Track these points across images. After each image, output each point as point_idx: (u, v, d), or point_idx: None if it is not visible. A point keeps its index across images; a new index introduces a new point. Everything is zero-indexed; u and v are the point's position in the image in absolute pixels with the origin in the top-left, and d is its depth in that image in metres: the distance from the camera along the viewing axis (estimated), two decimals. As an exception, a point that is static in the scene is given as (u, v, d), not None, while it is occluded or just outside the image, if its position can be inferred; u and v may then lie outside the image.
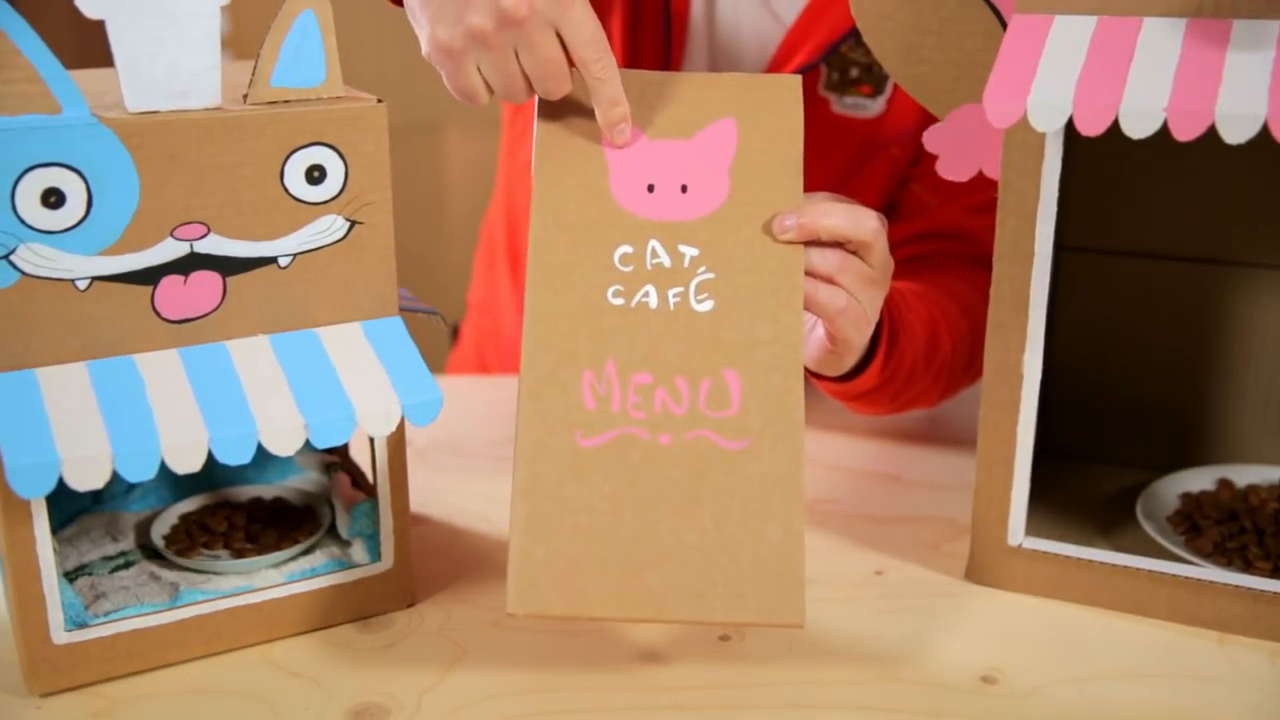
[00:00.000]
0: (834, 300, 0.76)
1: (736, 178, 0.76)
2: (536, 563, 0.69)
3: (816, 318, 0.79)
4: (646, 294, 0.74)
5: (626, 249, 0.75)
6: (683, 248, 0.75)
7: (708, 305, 0.74)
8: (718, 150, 0.77)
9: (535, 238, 0.75)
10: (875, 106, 1.05)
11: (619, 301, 0.74)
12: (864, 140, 1.06)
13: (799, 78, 0.78)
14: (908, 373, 0.92)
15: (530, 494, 0.70)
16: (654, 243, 0.75)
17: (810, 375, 0.89)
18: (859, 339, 0.80)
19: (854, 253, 0.76)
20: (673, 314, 0.74)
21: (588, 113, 0.77)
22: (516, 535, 0.70)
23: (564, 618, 0.69)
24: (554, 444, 0.71)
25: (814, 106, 1.04)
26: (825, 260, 0.75)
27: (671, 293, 0.74)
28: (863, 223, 0.75)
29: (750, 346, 0.73)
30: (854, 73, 1.04)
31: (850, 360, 0.83)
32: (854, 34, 1.01)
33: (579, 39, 0.72)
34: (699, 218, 0.75)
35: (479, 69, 0.73)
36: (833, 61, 1.04)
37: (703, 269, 0.74)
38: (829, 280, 0.76)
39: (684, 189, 0.76)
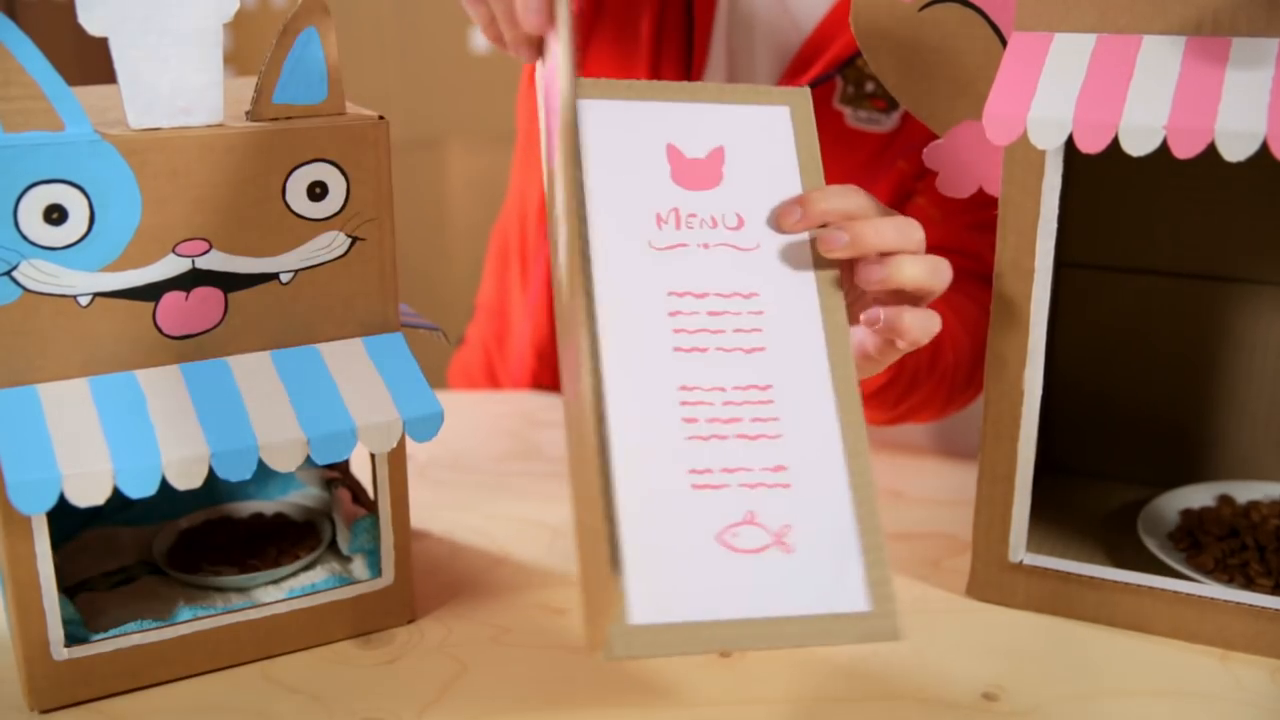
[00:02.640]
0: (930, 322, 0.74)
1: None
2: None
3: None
4: None
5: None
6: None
7: None
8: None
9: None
10: (889, 121, 1.05)
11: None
12: (876, 154, 1.06)
13: (806, 90, 0.76)
14: (910, 376, 0.92)
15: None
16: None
17: None
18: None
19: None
20: None
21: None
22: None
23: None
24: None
25: (828, 119, 1.04)
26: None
27: None
28: (933, 269, 0.74)
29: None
30: (869, 86, 1.04)
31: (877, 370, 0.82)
32: None
33: None
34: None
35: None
36: (848, 74, 1.04)
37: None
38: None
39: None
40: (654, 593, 0.63)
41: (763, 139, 0.74)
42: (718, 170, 0.73)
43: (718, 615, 0.63)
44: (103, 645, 0.72)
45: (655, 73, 1.08)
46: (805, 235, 0.72)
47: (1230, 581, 0.80)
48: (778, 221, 0.72)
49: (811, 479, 0.66)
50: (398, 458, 0.78)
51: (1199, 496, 0.91)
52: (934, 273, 0.74)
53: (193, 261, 0.72)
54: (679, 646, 0.62)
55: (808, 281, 0.71)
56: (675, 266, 0.70)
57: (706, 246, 0.71)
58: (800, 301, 0.71)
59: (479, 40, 2.28)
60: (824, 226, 0.72)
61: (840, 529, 0.65)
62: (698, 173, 0.73)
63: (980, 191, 0.81)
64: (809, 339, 0.70)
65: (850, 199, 0.72)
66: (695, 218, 0.72)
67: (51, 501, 0.66)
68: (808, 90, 0.76)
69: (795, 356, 0.69)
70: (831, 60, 1.03)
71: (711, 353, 0.69)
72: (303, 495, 0.92)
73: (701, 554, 0.64)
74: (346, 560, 0.82)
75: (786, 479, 0.66)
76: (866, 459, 0.67)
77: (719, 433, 0.67)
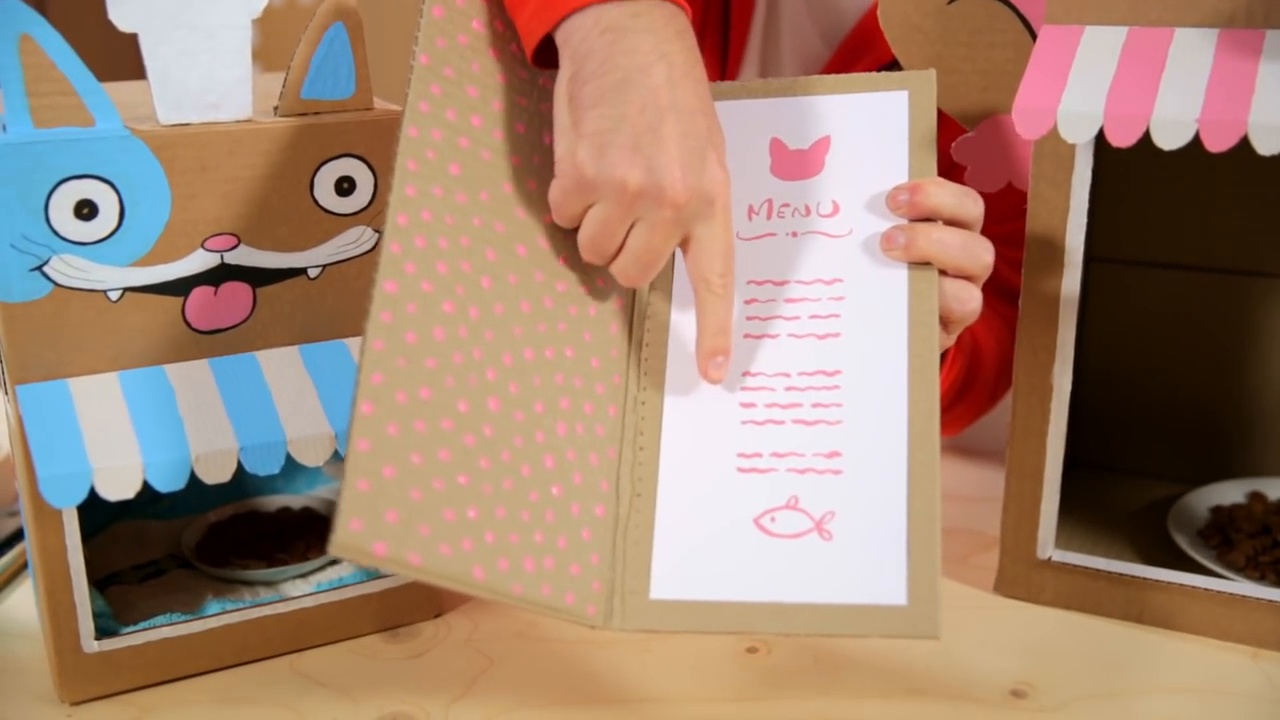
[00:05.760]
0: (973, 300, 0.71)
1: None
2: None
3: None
4: None
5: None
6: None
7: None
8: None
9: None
10: None
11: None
12: None
13: (931, 72, 0.73)
14: (960, 387, 0.92)
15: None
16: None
17: None
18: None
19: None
20: None
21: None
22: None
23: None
24: None
25: None
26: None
27: None
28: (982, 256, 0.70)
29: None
30: None
31: None
32: (896, 65, 1.01)
33: (713, 249, 0.65)
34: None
35: (588, 209, 0.65)
36: None
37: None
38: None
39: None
40: (678, 570, 0.64)
41: (873, 126, 0.72)
42: (819, 159, 0.72)
43: (743, 597, 0.63)
44: (132, 638, 0.73)
45: None
46: (903, 222, 0.70)
47: (1261, 579, 0.80)
48: (887, 200, 0.70)
49: (866, 467, 0.65)
50: (425, 452, 0.78)
51: (1230, 493, 0.91)
52: (965, 250, 0.69)
53: (221, 256, 0.72)
54: (696, 624, 0.63)
55: (899, 268, 0.69)
56: (759, 256, 0.70)
57: (795, 235, 0.71)
58: (888, 288, 0.69)
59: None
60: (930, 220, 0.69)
61: (887, 520, 0.63)
62: (797, 163, 0.72)
63: (1003, 205, 0.81)
64: (890, 326, 0.68)
65: (964, 205, 0.69)
66: (788, 207, 0.71)
67: (82, 495, 0.66)
68: (932, 73, 0.73)
69: (871, 343, 0.68)
70: None
71: (782, 339, 0.69)
72: (330, 489, 0.92)
73: (735, 536, 0.64)
74: (374, 554, 0.83)
75: (839, 465, 0.65)
76: (933, 451, 0.65)
77: (775, 418, 0.67)
